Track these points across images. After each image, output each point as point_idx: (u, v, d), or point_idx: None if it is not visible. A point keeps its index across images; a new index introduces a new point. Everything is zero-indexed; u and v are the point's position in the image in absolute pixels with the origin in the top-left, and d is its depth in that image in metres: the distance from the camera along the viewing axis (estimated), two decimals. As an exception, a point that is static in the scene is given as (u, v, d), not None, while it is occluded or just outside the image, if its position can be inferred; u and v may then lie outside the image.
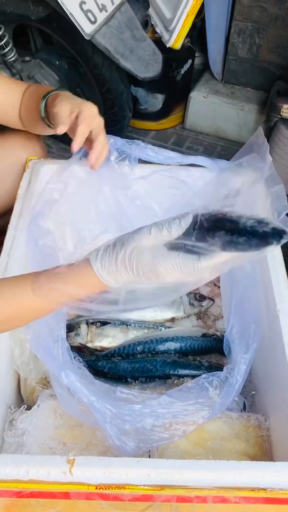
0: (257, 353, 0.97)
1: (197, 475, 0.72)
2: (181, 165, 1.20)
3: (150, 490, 0.72)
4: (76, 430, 0.93)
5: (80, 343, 1.14)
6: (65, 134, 0.99)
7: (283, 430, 0.89)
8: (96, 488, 0.72)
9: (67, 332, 1.15)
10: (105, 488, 0.72)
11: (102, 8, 1.59)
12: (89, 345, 1.14)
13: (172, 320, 1.27)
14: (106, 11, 1.60)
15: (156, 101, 2.45)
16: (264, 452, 0.92)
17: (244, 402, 1.02)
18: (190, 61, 2.42)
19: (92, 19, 1.57)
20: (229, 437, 0.93)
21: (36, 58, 1.94)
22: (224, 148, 2.57)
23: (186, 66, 2.42)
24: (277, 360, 0.91)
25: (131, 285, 0.72)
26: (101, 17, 1.59)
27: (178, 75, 2.40)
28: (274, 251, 1.06)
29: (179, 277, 0.67)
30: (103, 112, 2.03)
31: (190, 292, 1.32)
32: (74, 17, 1.52)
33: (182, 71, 2.40)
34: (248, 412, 1.02)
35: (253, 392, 1.07)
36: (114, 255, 0.69)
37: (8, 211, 1.16)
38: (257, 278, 1.05)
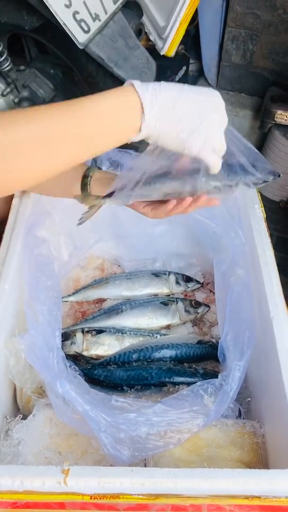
0: (252, 359, 0.97)
1: (191, 483, 0.72)
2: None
3: (145, 499, 0.72)
4: (71, 439, 0.93)
5: (76, 352, 1.14)
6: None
7: (278, 436, 0.89)
8: (91, 498, 0.72)
9: (62, 341, 1.15)
10: (100, 498, 0.72)
11: (95, 17, 1.60)
12: (85, 353, 1.14)
13: (168, 327, 1.27)
14: (100, 20, 1.61)
15: (151, 108, 2.46)
16: (259, 459, 0.93)
17: (239, 408, 1.02)
18: (184, 68, 2.44)
19: (86, 29, 1.58)
20: (224, 444, 0.93)
21: (31, 67, 1.94)
22: (219, 154, 2.57)
23: (181, 73, 2.43)
24: (271, 367, 0.92)
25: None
26: (94, 26, 1.60)
27: (173, 82, 2.41)
28: (267, 255, 1.07)
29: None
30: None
31: (185, 299, 1.32)
32: (67, 27, 1.53)
33: (177, 78, 2.42)
34: (243, 418, 1.02)
35: (249, 399, 1.08)
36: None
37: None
38: (251, 284, 1.06)
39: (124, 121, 0.74)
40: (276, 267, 1.06)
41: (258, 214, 1.17)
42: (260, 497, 0.71)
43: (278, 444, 0.89)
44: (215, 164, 0.83)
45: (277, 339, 0.91)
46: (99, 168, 1.06)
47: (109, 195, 0.94)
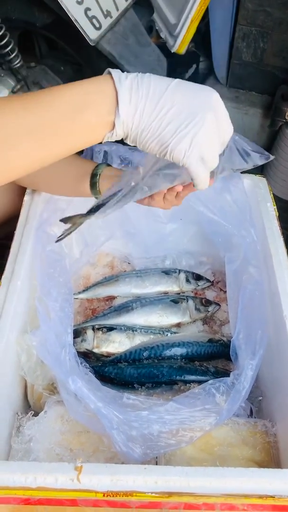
0: (264, 359, 0.96)
1: (204, 482, 0.72)
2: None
3: (158, 497, 0.72)
4: (82, 436, 0.93)
5: (87, 349, 1.14)
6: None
7: (291, 436, 0.88)
8: (104, 496, 0.72)
9: (73, 338, 1.15)
10: (113, 496, 0.71)
11: (107, 14, 1.59)
12: (96, 350, 1.14)
13: (178, 325, 1.27)
14: (111, 17, 1.61)
15: (161, 106, 2.45)
16: (271, 458, 0.92)
17: (251, 407, 1.01)
18: (194, 66, 2.43)
19: (97, 25, 1.58)
20: (236, 443, 0.93)
21: (41, 64, 1.94)
22: (229, 152, 2.56)
23: (191, 71, 2.42)
24: (284, 366, 0.91)
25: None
26: (106, 23, 1.60)
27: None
28: (279, 253, 1.06)
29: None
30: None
31: (196, 297, 1.32)
32: (79, 23, 1.52)
33: (187, 76, 2.41)
34: (255, 418, 1.02)
35: (260, 398, 1.07)
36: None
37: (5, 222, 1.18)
38: (264, 283, 1.05)
39: (93, 113, 0.64)
40: (289, 266, 1.05)
41: (270, 212, 1.16)
42: (274, 497, 0.71)
43: (290, 444, 0.89)
44: (201, 177, 0.71)
45: (290, 338, 0.91)
46: (109, 165, 1.02)
47: (93, 211, 0.91)
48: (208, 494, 0.72)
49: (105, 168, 1.00)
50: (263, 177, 1.27)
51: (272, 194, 1.21)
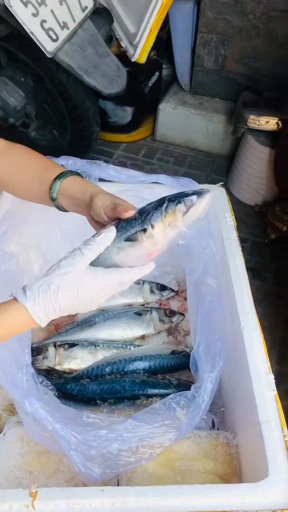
0: (225, 369, 0.97)
1: (161, 501, 0.72)
2: (144, 183, 1.20)
3: (115, 519, 0.71)
4: (43, 457, 0.92)
5: (49, 366, 1.13)
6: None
7: (250, 447, 0.89)
8: (60, 521, 0.70)
9: (35, 356, 1.14)
10: (69, 520, 0.70)
11: (64, 25, 1.59)
12: (58, 368, 1.13)
13: (143, 337, 1.26)
14: (68, 28, 1.61)
15: (125, 113, 2.46)
16: (233, 470, 0.92)
17: (213, 419, 1.02)
18: (157, 74, 2.44)
19: (54, 37, 1.57)
20: (198, 457, 0.93)
21: (1, 75, 1.93)
22: (194, 159, 2.59)
23: (154, 78, 2.43)
24: (242, 377, 0.91)
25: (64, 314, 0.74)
26: (62, 34, 1.59)
27: (146, 88, 2.42)
28: (237, 264, 1.07)
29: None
30: (70, 128, 2.04)
31: (160, 308, 1.32)
32: (35, 36, 1.52)
33: (150, 84, 2.42)
34: (218, 429, 1.02)
35: (223, 409, 1.07)
36: (48, 285, 0.71)
37: None
38: (223, 294, 1.06)
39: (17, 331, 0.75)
40: (247, 276, 1.06)
41: (229, 222, 1.17)
42: (231, 513, 0.71)
43: (250, 455, 0.89)
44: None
45: (247, 350, 0.92)
46: (71, 173, 0.94)
47: None
48: (166, 513, 0.71)
49: (65, 181, 0.93)
50: (222, 187, 1.27)
51: (230, 204, 1.22)
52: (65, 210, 0.96)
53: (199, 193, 0.76)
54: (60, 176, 0.92)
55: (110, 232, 0.76)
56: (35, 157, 1.00)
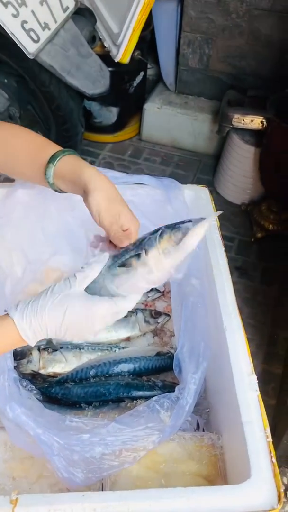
0: (209, 370, 0.97)
1: (144, 505, 0.71)
2: (127, 184, 1.19)
3: (97, 524, 0.70)
4: (26, 462, 0.91)
5: (33, 370, 1.12)
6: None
7: (234, 448, 0.88)
8: (41, 527, 0.70)
9: (19, 360, 1.13)
10: (51, 527, 0.70)
11: (45, 26, 1.58)
12: (42, 371, 1.12)
13: (128, 339, 1.25)
14: (49, 29, 1.60)
15: (110, 114, 2.46)
16: (218, 471, 0.92)
17: (197, 421, 1.01)
18: (142, 73, 2.44)
19: (35, 38, 1.56)
20: (182, 459, 0.92)
21: (-17, 77, 1.91)
22: (181, 158, 2.59)
23: (139, 78, 2.43)
24: (225, 378, 0.91)
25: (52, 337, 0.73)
26: (44, 35, 1.58)
27: (131, 88, 2.42)
28: (220, 264, 1.07)
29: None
30: (55, 129, 2.02)
31: (145, 309, 1.31)
32: (16, 37, 1.51)
33: (135, 84, 2.42)
34: (203, 430, 1.02)
35: (208, 410, 1.07)
36: (37, 302, 0.71)
37: None
38: (206, 294, 1.06)
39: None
40: (230, 277, 1.05)
41: (212, 223, 1.17)
42: (213, 515, 0.71)
43: (234, 457, 0.89)
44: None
45: (230, 350, 0.91)
46: (63, 153, 0.89)
47: None
48: (148, 517, 0.71)
49: (60, 161, 0.88)
50: (205, 187, 1.27)
51: (213, 204, 1.22)
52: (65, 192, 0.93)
53: (196, 221, 0.74)
54: (52, 159, 0.88)
55: (103, 255, 0.76)
56: (26, 135, 0.96)
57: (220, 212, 0.83)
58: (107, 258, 0.77)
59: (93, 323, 0.73)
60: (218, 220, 1.20)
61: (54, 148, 0.91)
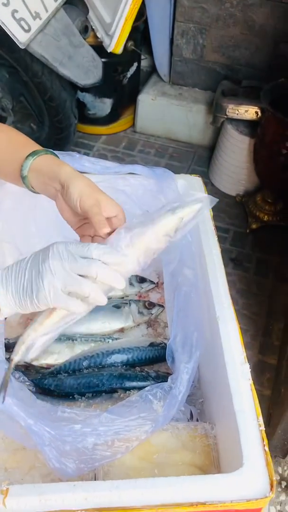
0: (203, 360, 0.96)
1: (135, 495, 0.71)
2: (119, 174, 1.18)
3: (88, 514, 0.70)
4: (18, 454, 0.90)
5: (25, 362, 1.11)
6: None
7: (226, 437, 0.88)
8: (32, 518, 0.69)
9: (11, 351, 1.12)
10: (42, 517, 0.69)
11: (36, 15, 1.56)
12: (35, 363, 1.11)
13: (122, 330, 1.25)
14: (40, 18, 1.58)
15: (104, 105, 2.44)
16: (211, 461, 0.92)
17: (191, 411, 1.01)
18: (136, 64, 2.42)
19: (26, 28, 1.54)
20: (176, 449, 0.92)
21: (-26, 68, 1.90)
22: (175, 150, 2.57)
23: (132, 69, 2.41)
24: (218, 367, 0.91)
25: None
26: (35, 25, 1.56)
27: (125, 79, 2.40)
28: (213, 254, 1.06)
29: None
30: (48, 120, 2.01)
31: (139, 301, 1.31)
32: (6, 26, 1.49)
33: (129, 75, 2.40)
34: (197, 420, 1.02)
35: (201, 400, 1.07)
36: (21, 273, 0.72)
37: None
38: (199, 284, 1.05)
39: None
40: (223, 266, 1.05)
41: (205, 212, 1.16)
42: (205, 503, 0.70)
43: (227, 446, 0.88)
44: (75, 307, 0.75)
45: (222, 340, 0.91)
46: (46, 152, 0.90)
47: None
48: (140, 506, 0.70)
49: (38, 160, 0.88)
50: (199, 176, 1.26)
51: (207, 194, 1.21)
52: (37, 192, 0.92)
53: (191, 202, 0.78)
54: (33, 153, 0.87)
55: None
56: (10, 134, 0.96)
57: (206, 196, 0.84)
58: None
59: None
60: (211, 210, 1.19)
61: (37, 147, 0.92)
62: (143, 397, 0.90)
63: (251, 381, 0.85)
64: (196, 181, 1.24)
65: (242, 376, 0.86)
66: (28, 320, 1.28)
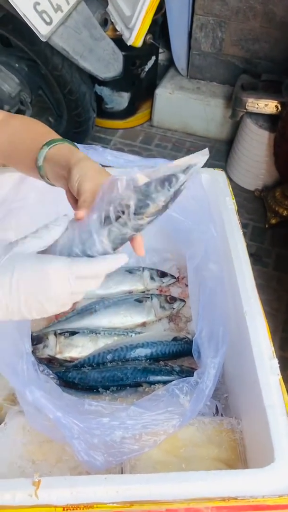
0: (228, 355, 0.95)
1: (166, 488, 0.71)
2: (141, 168, 1.17)
3: (119, 507, 0.70)
4: (45, 446, 0.91)
5: (49, 355, 1.11)
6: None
7: (255, 433, 0.88)
8: (64, 510, 0.69)
9: (35, 344, 1.13)
10: (73, 509, 0.69)
11: (58, 8, 1.56)
12: (58, 356, 1.12)
13: (143, 324, 1.25)
14: (62, 11, 1.57)
15: (121, 99, 2.43)
16: (238, 456, 0.91)
17: (216, 405, 1.00)
18: (154, 58, 2.41)
19: (48, 20, 1.54)
20: (202, 443, 0.92)
21: (-6, 61, 1.90)
22: (192, 144, 2.56)
23: (150, 63, 2.40)
24: (246, 362, 0.90)
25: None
26: (56, 17, 1.56)
27: (143, 72, 2.39)
28: (239, 248, 1.05)
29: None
30: (66, 114, 2.00)
31: (160, 295, 1.30)
32: (28, 19, 1.49)
33: (146, 68, 2.39)
34: (221, 415, 1.01)
35: (226, 395, 1.06)
36: None
37: None
38: (224, 279, 1.04)
39: None
40: (249, 260, 1.04)
41: (229, 206, 1.15)
42: (236, 498, 0.70)
43: (255, 441, 0.88)
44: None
45: (250, 335, 0.90)
46: (63, 141, 0.84)
47: None
48: (171, 500, 0.70)
49: (53, 148, 0.82)
50: (222, 170, 1.25)
51: (231, 188, 1.20)
52: (52, 184, 0.85)
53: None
54: (49, 142, 0.82)
55: (62, 218, 0.67)
56: (31, 126, 0.92)
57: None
58: (66, 220, 0.67)
59: (48, 285, 0.62)
60: (235, 204, 1.18)
61: (55, 136, 0.86)
62: (170, 391, 0.89)
63: (280, 376, 0.85)
64: (219, 175, 1.23)
65: (271, 371, 0.85)
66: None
